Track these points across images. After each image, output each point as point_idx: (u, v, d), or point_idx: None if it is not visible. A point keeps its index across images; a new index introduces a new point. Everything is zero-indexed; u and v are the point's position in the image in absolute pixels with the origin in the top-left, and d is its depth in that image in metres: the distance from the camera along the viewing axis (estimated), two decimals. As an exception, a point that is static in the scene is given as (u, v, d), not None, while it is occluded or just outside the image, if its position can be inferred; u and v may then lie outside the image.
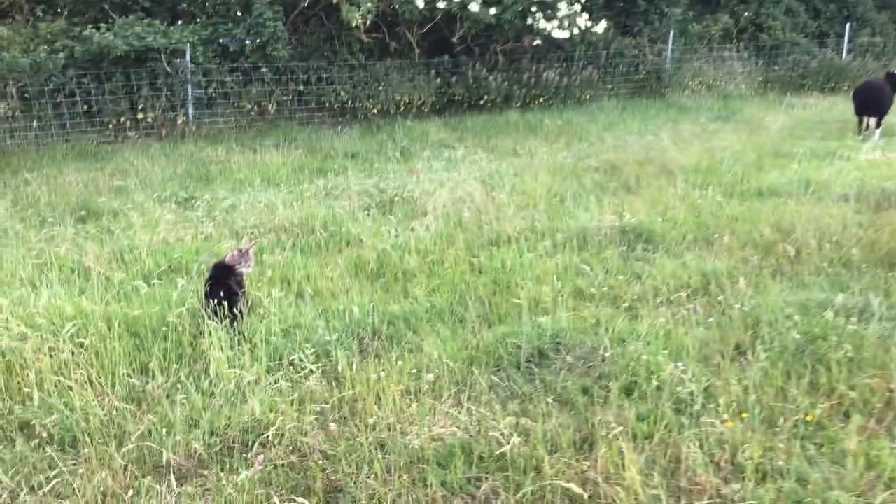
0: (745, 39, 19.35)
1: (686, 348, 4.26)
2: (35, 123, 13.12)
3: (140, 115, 13.09)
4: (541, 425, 3.56)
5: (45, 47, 12.87)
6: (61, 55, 12.60)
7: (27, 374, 4.03)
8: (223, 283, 4.90)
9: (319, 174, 9.38)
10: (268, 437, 3.56)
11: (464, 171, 8.77)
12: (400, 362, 4.23)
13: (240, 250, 5.06)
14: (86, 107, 12.88)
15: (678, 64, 17.42)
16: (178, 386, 4.03)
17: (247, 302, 4.95)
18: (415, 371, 4.16)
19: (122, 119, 13.13)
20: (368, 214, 7.31)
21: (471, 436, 3.55)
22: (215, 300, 4.73)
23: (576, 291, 5.20)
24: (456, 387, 4.01)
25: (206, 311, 4.74)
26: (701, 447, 3.36)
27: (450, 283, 5.41)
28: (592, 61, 16.20)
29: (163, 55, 12.77)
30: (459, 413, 3.73)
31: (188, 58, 12.96)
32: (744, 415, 3.53)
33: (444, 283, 5.43)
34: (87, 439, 3.60)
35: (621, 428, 3.43)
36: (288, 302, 5.03)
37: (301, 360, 4.17)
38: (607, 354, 4.21)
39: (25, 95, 12.55)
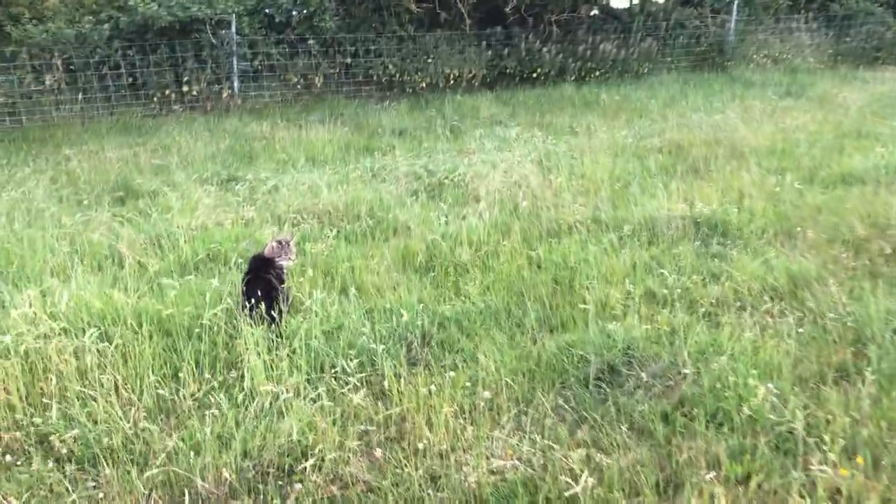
0: (813, 9, 18.24)
1: (777, 367, 3.75)
2: (80, 96, 12.93)
3: (185, 88, 12.82)
4: (616, 461, 3.10)
5: (91, 18, 12.65)
6: (106, 26, 12.36)
7: (49, 379, 3.70)
8: (262, 279, 4.52)
9: (366, 153, 8.96)
10: (306, 463, 3.16)
11: (518, 151, 8.24)
12: (453, 373, 3.81)
13: (279, 241, 4.68)
14: (130, 79, 12.64)
15: (742, 35, 16.48)
16: (211, 396, 3.67)
17: (288, 298, 4.57)
18: (469, 385, 3.73)
19: (167, 92, 12.88)
20: (417, 199, 6.87)
21: (535, 470, 3.11)
22: (253, 298, 4.37)
23: (647, 294, 4.69)
24: (516, 407, 3.57)
25: (243, 309, 4.37)
26: (808, 496, 2.86)
27: (506, 280, 4.95)
28: (651, 32, 15.40)
29: (208, 26, 12.45)
30: (521, 441, 3.29)
31: (233, 29, 12.62)
32: (859, 459, 3.01)
33: (499, 279, 4.97)
34: (110, 458, 3.26)
35: (714, 474, 2.95)
36: (331, 299, 4.62)
37: (344, 369, 3.76)
38: (687, 372, 3.72)
39: (71, 67, 12.35)
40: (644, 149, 8.52)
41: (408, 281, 5.05)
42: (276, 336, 4.12)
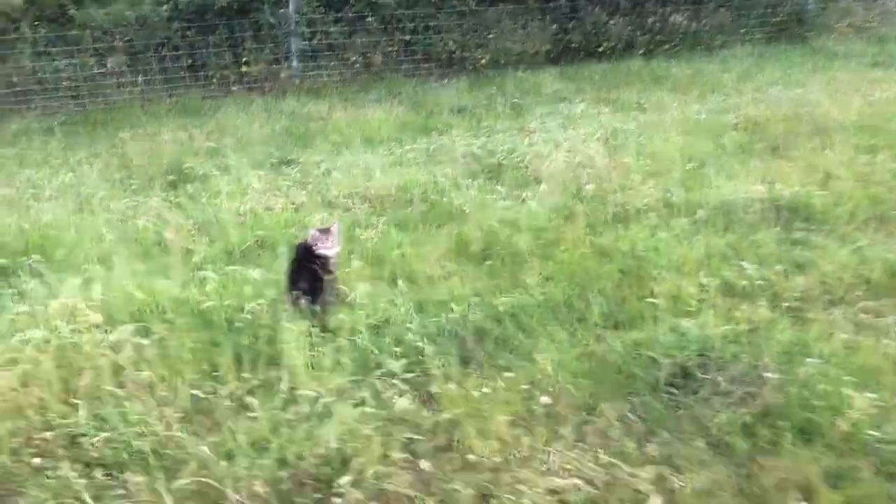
0: (903, -27, 17.06)
1: (877, 372, 3.31)
2: (140, 78, 12.97)
3: (244, 69, 12.73)
4: (690, 481, 2.75)
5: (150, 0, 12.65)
6: (165, 7, 12.33)
7: (83, 376, 3.53)
8: (307, 269, 4.28)
9: (422, 133, 8.64)
10: (346, 478, 2.89)
11: (582, 129, 7.80)
12: (509, 374, 3.49)
13: (321, 229, 4.41)
14: (190, 61, 12.59)
15: (823, 4, 15.51)
16: (250, 397, 3.44)
17: (335, 289, 4.32)
18: (526, 388, 3.41)
19: (226, 73, 12.80)
20: (474, 182, 6.52)
21: (599, 490, 2.78)
22: (296, 290, 4.13)
23: (724, 286, 4.27)
24: (577, 415, 3.24)
25: (286, 301, 4.14)
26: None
27: (567, 271, 4.58)
28: (724, 3, 14.61)
29: (266, 5, 12.30)
30: (583, 456, 2.96)
31: (292, 7, 12.42)
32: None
33: (560, 269, 4.62)
34: (140, 464, 3.06)
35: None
36: (378, 290, 4.35)
37: (391, 370, 3.48)
38: (771, 377, 3.31)
39: (131, 50, 12.38)
40: (718, 126, 7.96)
41: (461, 270, 4.74)
42: (321, 331, 3.87)
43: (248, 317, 3.98)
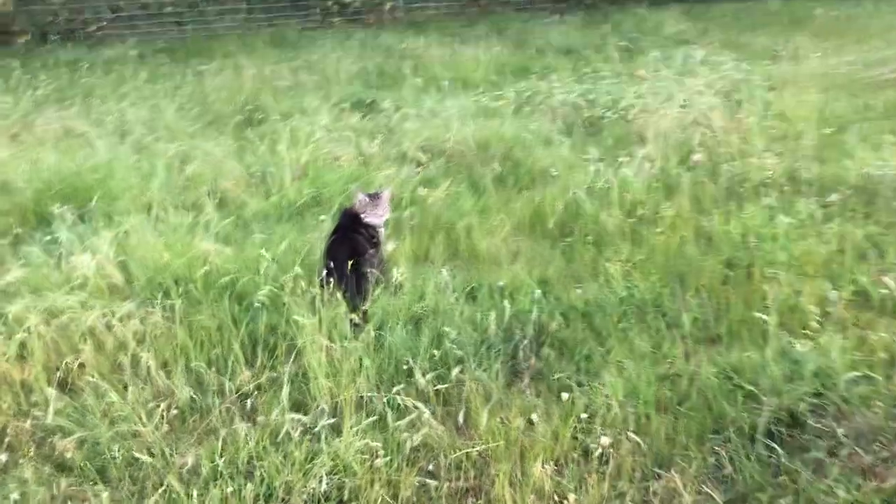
0: None
1: None
2: (244, 5, 12.68)
3: (346, 0, 12.20)
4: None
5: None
6: (268, -67, 11.88)
7: (80, 355, 3.11)
8: (349, 240, 3.70)
9: (521, 76, 7.84)
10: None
11: (702, 79, 6.77)
12: (565, 395, 2.82)
13: (370, 194, 3.80)
14: (292, -10, 12.20)
15: None
16: (255, 395, 2.94)
17: (382, 263, 3.73)
18: (585, 418, 2.73)
19: (329, 3, 12.32)
20: (567, 138, 5.73)
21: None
22: (333, 264, 3.56)
23: (858, 296, 3.39)
24: (643, 467, 2.54)
25: (319, 276, 3.59)
26: None
27: (661, 259, 3.81)
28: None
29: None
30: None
31: (398, -66, 11.72)
32: None
33: (652, 257, 3.84)
34: (115, 472, 2.62)
35: None
36: (429, 270, 3.73)
37: (418, 384, 2.87)
38: (916, 438, 2.49)
39: (234, -23, 12.06)
40: (867, 83, 6.75)
41: (533, 249, 4.04)
42: (353, 319, 3.29)
43: (277, 292, 3.44)
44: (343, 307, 3.35)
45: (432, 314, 3.35)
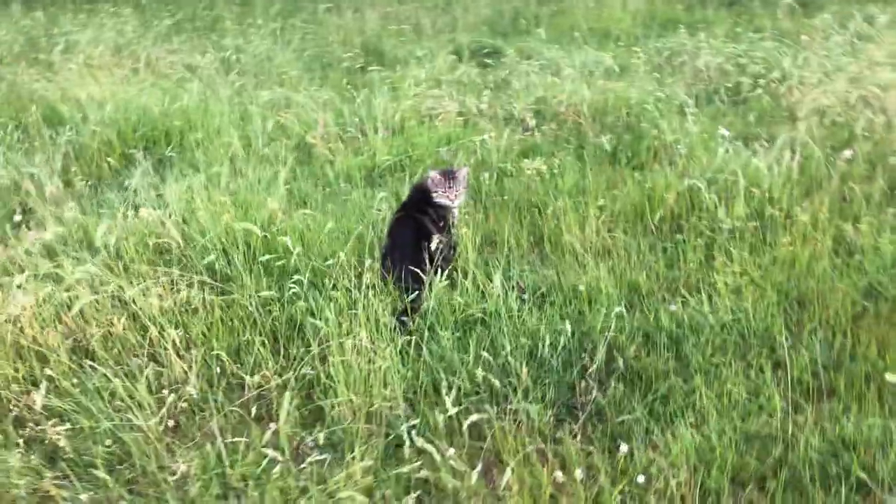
0: None
1: None
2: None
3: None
4: None
5: None
6: None
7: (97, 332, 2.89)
8: (414, 220, 3.28)
9: (669, 29, 7.00)
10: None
11: (882, 49, 5.71)
12: (626, 449, 2.31)
13: (444, 172, 3.35)
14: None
15: None
16: (275, 395, 2.63)
17: (451, 250, 3.30)
18: (641, 481, 2.22)
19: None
20: (704, 107, 4.98)
21: None
22: (396, 249, 3.18)
23: None
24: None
25: (383, 263, 3.21)
26: None
27: (782, 277, 3.13)
28: None
29: None
30: None
31: None
32: None
33: (772, 272, 3.17)
34: (105, 471, 2.39)
35: None
36: (507, 259, 3.26)
37: (447, 410, 2.44)
38: None
39: None
40: None
41: (630, 245, 3.45)
42: (400, 320, 2.89)
43: (322, 272, 3.10)
44: (392, 299, 2.97)
45: (490, 319, 2.88)
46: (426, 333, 2.82)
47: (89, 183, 4.34)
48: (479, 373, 2.56)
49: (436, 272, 3.11)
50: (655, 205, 3.71)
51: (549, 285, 3.15)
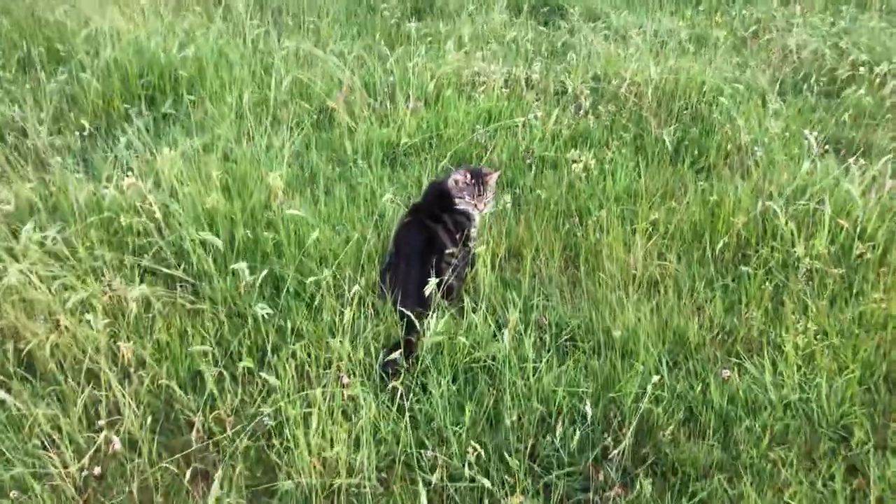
0: None
1: None
2: None
3: None
4: None
5: None
6: None
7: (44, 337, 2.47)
8: (426, 228, 2.75)
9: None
10: None
11: None
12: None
13: (472, 171, 2.80)
14: None
15: None
16: (224, 445, 2.18)
17: (466, 265, 2.77)
18: None
19: None
20: (791, 98, 4.27)
21: None
22: (394, 256, 2.68)
23: None
24: None
25: (383, 277, 2.71)
26: None
27: (870, 343, 2.52)
28: None
29: None
30: None
31: None
32: None
33: (858, 335, 2.56)
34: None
35: None
36: (531, 284, 2.71)
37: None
38: None
39: None
40: None
41: (681, 279, 2.86)
42: (389, 360, 2.38)
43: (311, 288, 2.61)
44: (386, 326, 2.47)
45: (498, 369, 2.36)
46: (418, 377, 2.32)
47: (88, 132, 3.89)
48: (474, 450, 2.05)
49: (445, 295, 2.60)
50: (719, 226, 3.10)
51: (577, 324, 2.61)
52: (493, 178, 2.83)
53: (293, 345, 2.37)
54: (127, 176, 3.19)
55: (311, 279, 2.56)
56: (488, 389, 2.31)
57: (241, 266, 2.51)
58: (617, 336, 2.52)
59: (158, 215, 2.98)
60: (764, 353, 2.49)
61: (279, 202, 3.19)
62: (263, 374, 2.19)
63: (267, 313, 2.40)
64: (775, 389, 2.35)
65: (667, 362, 2.45)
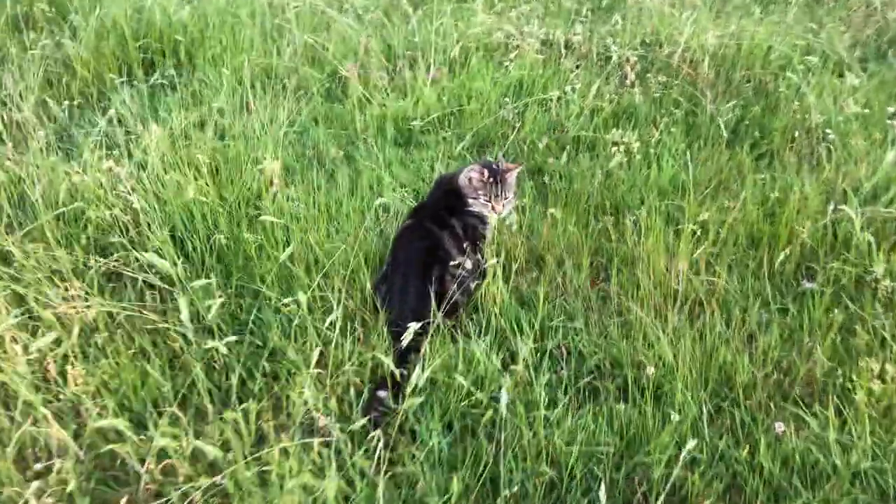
0: None
1: None
2: None
3: None
4: None
5: None
6: None
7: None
8: (429, 232, 2.35)
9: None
10: None
11: None
12: None
13: (491, 168, 2.38)
14: None
15: None
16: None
17: (476, 275, 2.37)
18: None
19: None
20: (874, 66, 3.70)
21: None
22: (391, 265, 2.30)
23: None
24: None
25: (376, 290, 2.33)
26: None
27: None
28: None
29: None
30: None
31: None
32: None
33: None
34: None
35: None
36: (562, 293, 2.30)
37: None
38: None
39: None
40: None
41: (734, 298, 2.41)
42: (375, 400, 2.01)
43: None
44: (374, 354, 2.10)
45: (501, 421, 1.97)
46: (406, 421, 1.95)
47: (77, 103, 3.56)
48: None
49: (449, 314, 2.22)
50: (780, 232, 2.62)
51: (603, 356, 2.20)
52: (513, 176, 2.41)
53: (259, 386, 2.02)
54: (107, 158, 2.89)
55: (285, 301, 2.18)
56: (488, 443, 1.92)
57: (202, 284, 2.14)
58: (651, 375, 2.11)
59: (137, 205, 2.65)
60: (828, 401, 2.05)
61: (273, 190, 2.82)
62: (199, 443, 1.82)
63: (224, 352, 2.03)
64: (842, 453, 1.92)
65: (708, 411, 2.03)
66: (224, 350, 2.01)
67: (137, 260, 2.49)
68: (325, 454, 1.81)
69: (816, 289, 2.41)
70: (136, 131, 3.19)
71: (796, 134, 3.19)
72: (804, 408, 2.06)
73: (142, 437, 1.92)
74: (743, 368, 2.15)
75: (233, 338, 2.05)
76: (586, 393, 2.12)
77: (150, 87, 3.60)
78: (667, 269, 2.47)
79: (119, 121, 3.29)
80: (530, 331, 2.20)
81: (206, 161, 2.86)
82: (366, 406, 1.99)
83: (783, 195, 2.75)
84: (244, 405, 1.92)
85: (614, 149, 3.11)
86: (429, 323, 2.12)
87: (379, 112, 3.44)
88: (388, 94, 3.56)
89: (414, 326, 1.94)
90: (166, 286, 2.36)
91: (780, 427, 2.00)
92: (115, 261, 2.47)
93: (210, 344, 1.99)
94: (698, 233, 2.61)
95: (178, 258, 2.44)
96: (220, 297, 2.24)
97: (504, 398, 1.85)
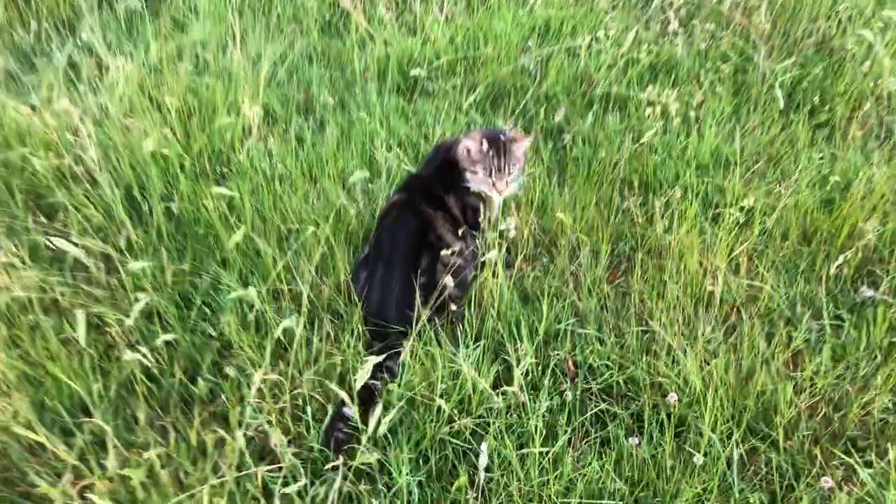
0: None
1: None
2: None
3: None
4: None
5: None
6: None
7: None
8: (421, 213, 1.97)
9: None
10: None
11: None
12: None
13: (493, 139, 1.97)
14: None
15: None
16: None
17: (471, 266, 2.00)
18: None
19: None
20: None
21: None
22: (374, 250, 1.94)
23: None
24: None
25: (354, 280, 1.97)
26: None
27: None
28: None
29: None
30: None
31: None
32: None
33: None
34: None
35: None
36: (577, 284, 1.94)
37: None
38: None
39: None
40: None
41: (776, 307, 2.02)
42: (334, 442, 1.67)
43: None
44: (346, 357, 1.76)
45: (493, 460, 1.63)
46: (379, 445, 1.62)
47: (44, 28, 3.17)
48: None
49: (439, 310, 1.86)
50: (839, 226, 2.20)
51: (617, 374, 1.84)
52: (520, 147, 2.00)
53: (202, 392, 1.69)
54: (67, 96, 2.53)
55: (236, 294, 1.83)
56: (469, 489, 1.58)
57: (137, 267, 1.78)
58: (673, 403, 1.75)
59: (93, 153, 2.29)
60: (888, 449, 1.69)
61: (250, 143, 2.45)
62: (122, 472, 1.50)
63: (153, 357, 1.70)
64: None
65: (740, 455, 1.68)
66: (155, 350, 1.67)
67: (88, 220, 2.16)
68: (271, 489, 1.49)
69: (879, 300, 2.02)
70: (106, 64, 2.81)
71: (864, 103, 2.73)
72: (856, 454, 1.70)
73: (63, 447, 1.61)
74: (785, 400, 1.78)
75: (169, 336, 1.71)
76: (592, 418, 1.77)
77: (127, 12, 3.20)
78: (700, 266, 2.09)
79: (90, 50, 2.92)
80: (532, 338, 1.84)
81: (177, 104, 2.49)
82: (328, 426, 1.66)
83: (844, 179, 2.33)
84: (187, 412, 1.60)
85: (649, 110, 2.68)
86: (412, 323, 1.77)
87: (382, 53, 3.02)
88: (394, 31, 3.13)
89: (388, 341, 1.59)
90: (102, 263, 2.02)
91: (826, 481, 1.64)
92: (60, 222, 2.14)
93: (130, 355, 1.64)
94: (740, 221, 2.21)
95: (131, 222, 2.09)
96: (172, 273, 1.90)
97: (483, 460, 1.51)
